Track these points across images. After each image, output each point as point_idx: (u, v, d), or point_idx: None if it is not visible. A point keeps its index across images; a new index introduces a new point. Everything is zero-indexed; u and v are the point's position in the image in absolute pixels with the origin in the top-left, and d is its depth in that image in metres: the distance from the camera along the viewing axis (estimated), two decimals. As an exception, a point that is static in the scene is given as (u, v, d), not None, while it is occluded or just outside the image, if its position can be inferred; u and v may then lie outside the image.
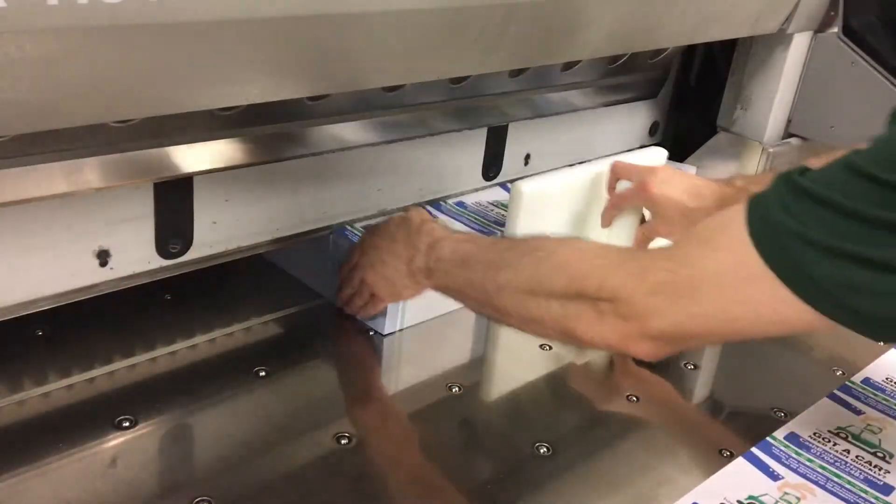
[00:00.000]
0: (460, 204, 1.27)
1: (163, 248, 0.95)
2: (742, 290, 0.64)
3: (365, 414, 0.96)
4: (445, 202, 1.26)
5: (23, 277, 0.86)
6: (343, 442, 0.88)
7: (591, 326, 0.72)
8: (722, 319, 0.67)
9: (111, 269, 0.92)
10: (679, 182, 1.03)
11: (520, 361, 1.09)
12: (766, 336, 0.69)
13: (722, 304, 0.66)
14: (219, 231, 1.00)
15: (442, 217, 1.20)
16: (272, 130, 0.97)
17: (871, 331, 0.64)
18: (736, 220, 0.65)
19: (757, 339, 0.71)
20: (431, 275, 0.90)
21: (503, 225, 1.19)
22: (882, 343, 0.66)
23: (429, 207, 1.22)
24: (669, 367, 1.09)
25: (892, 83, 1.32)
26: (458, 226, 1.18)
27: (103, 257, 0.91)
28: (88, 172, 0.81)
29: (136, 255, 0.93)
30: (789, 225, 0.61)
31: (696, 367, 1.08)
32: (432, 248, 0.90)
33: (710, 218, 0.70)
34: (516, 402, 1.02)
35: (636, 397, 1.01)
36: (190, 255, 0.98)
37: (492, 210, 1.26)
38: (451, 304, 0.91)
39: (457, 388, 1.00)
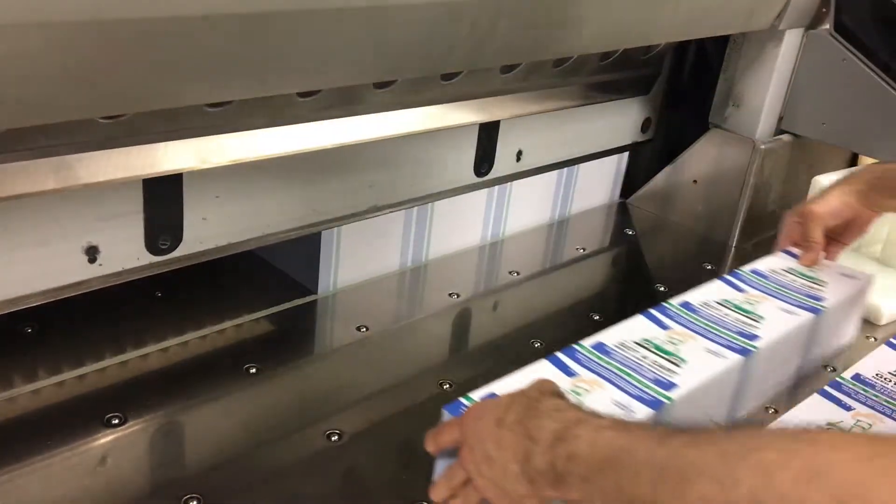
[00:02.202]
0: (686, 305, 0.99)
1: (152, 245, 0.95)
2: None
3: (355, 411, 0.96)
4: (670, 304, 0.99)
5: (11, 274, 0.86)
6: (333, 439, 0.88)
7: None
8: None
9: (100, 265, 0.91)
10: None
11: (511, 358, 1.09)
12: None
13: None
14: (209, 227, 0.99)
15: (676, 327, 0.94)
16: (262, 125, 0.96)
17: None
18: None
19: None
20: (561, 481, 0.62)
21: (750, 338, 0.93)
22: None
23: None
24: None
25: (882, 80, 1.33)
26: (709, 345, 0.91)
27: (92, 254, 0.90)
28: (77, 169, 0.81)
29: (126, 251, 0.93)
30: None
31: (687, 363, 1.08)
32: (561, 439, 0.63)
33: None
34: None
35: (627, 393, 1.01)
36: (180, 252, 0.98)
37: (728, 315, 0.98)
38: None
39: (448, 385, 1.00)
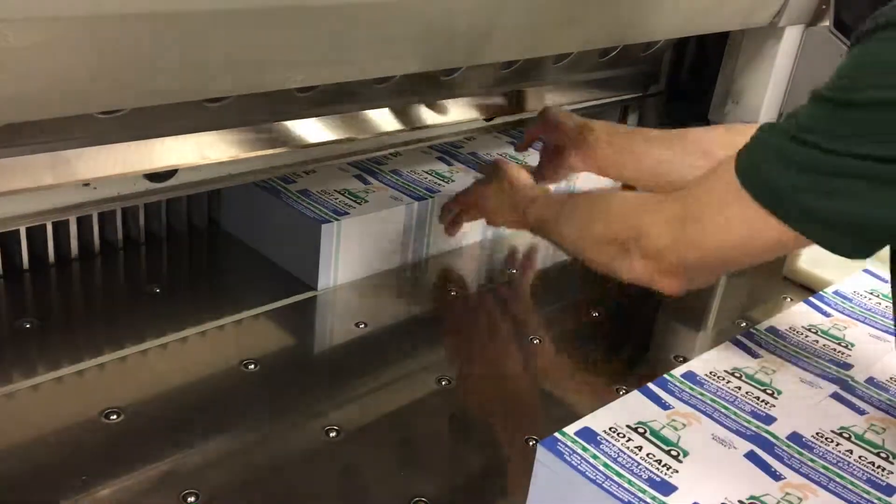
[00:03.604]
0: (773, 331, 1.02)
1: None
2: (723, 214, 0.73)
3: (354, 407, 0.96)
4: (757, 330, 1.01)
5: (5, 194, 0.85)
6: (332, 435, 0.88)
7: (623, 264, 0.83)
8: (713, 247, 0.76)
9: (94, 188, 0.91)
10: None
11: (510, 355, 1.09)
12: (753, 261, 0.77)
13: (711, 231, 0.75)
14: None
15: (767, 356, 0.97)
16: (260, 121, 0.97)
17: (827, 238, 0.67)
18: (726, 162, 0.73)
19: (748, 266, 0.79)
20: (525, 213, 1.05)
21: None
22: (849, 259, 0.67)
23: None
24: (659, 361, 1.10)
25: (882, 76, 1.32)
26: None
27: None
28: (74, 164, 0.81)
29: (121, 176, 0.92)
30: (767, 150, 0.70)
31: (685, 359, 1.08)
32: (530, 200, 1.05)
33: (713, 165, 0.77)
34: (506, 396, 1.02)
35: (625, 389, 1.01)
36: (176, 181, 0.97)
37: (817, 342, 1.00)
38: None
39: (446, 382, 1.00)
